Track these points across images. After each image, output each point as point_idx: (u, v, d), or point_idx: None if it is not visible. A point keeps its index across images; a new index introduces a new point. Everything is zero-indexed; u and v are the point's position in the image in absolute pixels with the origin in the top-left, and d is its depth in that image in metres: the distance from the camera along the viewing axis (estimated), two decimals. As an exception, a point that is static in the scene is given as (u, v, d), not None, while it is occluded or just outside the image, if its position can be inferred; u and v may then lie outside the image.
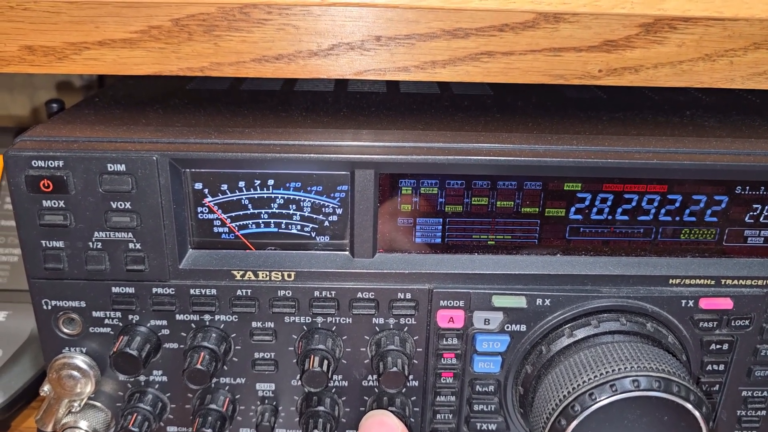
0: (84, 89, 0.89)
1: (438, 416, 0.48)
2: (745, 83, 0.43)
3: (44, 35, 0.40)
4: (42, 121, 0.74)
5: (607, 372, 0.39)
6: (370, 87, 0.58)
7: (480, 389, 0.46)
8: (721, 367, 0.47)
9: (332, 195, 0.43)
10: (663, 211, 0.45)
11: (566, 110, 0.52)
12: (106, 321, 0.45)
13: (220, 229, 0.44)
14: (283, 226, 0.44)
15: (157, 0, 0.38)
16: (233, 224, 0.44)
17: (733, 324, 0.45)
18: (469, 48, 0.41)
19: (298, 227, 0.44)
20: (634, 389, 0.39)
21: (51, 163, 0.41)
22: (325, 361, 0.43)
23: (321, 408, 0.46)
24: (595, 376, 0.40)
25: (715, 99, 0.56)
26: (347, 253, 0.45)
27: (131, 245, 0.43)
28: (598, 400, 0.39)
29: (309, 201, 0.44)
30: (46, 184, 0.41)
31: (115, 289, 0.44)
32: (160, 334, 0.45)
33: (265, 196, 0.43)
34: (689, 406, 0.39)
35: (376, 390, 0.47)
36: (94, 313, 0.45)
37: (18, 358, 0.58)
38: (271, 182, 0.43)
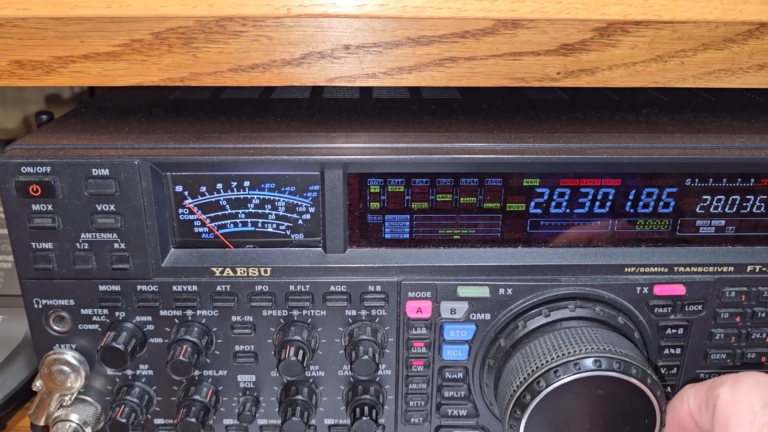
0: (76, 102, 0.92)
1: (411, 403, 0.50)
2: (696, 82, 0.45)
3: (32, 50, 0.42)
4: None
5: (559, 356, 0.42)
6: (344, 94, 0.60)
7: (449, 376, 0.49)
8: (678, 350, 0.49)
9: (305, 194, 0.46)
10: (618, 203, 0.47)
11: (528, 112, 0.54)
12: (94, 318, 0.47)
13: (200, 229, 0.47)
14: (259, 225, 0.47)
15: (139, 15, 0.40)
16: (212, 224, 0.47)
17: (686, 309, 0.48)
18: (433, 54, 0.43)
19: (274, 226, 0.47)
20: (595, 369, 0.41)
21: (39, 169, 0.43)
22: (301, 351, 0.45)
23: (299, 397, 0.48)
24: (546, 362, 0.42)
25: (672, 98, 0.59)
26: (320, 249, 0.47)
27: (116, 245, 0.45)
28: (557, 379, 0.41)
29: (283, 201, 0.46)
30: (35, 189, 0.43)
31: (101, 287, 0.46)
32: (145, 329, 0.47)
33: (242, 196, 0.46)
34: (638, 382, 0.41)
35: (351, 379, 0.50)
36: (83, 311, 0.47)
37: (13, 359, 0.60)
38: (247, 183, 0.45)
